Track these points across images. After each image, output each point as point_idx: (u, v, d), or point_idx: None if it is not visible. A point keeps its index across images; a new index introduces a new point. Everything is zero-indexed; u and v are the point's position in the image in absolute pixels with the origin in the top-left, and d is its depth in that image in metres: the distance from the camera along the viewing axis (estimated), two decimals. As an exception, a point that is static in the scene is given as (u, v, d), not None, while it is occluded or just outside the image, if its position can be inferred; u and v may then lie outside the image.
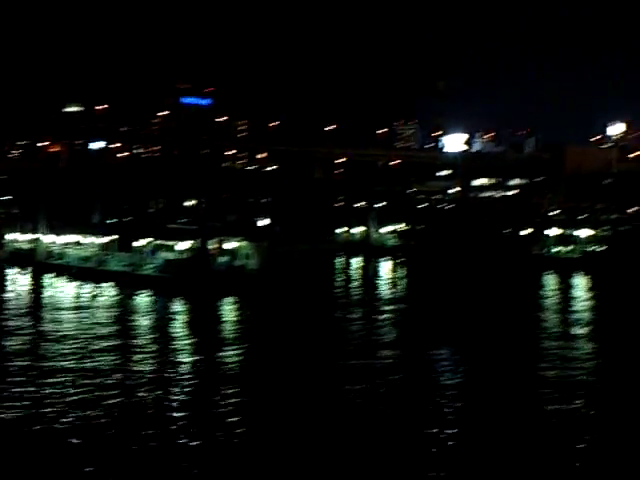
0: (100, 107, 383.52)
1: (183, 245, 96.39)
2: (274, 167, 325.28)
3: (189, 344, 60.59)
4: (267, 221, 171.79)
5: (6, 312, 75.02)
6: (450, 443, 37.10)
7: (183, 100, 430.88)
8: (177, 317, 73.86)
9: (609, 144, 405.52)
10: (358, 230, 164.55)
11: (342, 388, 46.77)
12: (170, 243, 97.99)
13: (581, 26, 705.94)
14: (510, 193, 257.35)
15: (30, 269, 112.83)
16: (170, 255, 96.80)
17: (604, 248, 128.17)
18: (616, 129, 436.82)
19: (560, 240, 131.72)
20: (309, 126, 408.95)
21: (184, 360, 54.46)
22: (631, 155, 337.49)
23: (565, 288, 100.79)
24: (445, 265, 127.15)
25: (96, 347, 57.81)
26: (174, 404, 43.11)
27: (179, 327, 68.66)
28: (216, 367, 52.68)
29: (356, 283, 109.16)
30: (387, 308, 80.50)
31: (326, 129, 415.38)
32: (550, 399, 44.47)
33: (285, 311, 77.75)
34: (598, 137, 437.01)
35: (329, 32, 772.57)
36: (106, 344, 58.97)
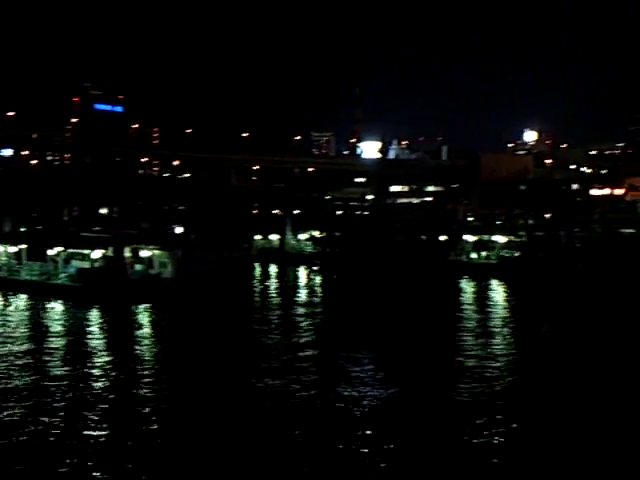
0: (8, 114, 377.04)
1: (97, 253, 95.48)
2: (189, 174, 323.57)
3: (97, 354, 60.13)
4: (182, 229, 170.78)
5: None
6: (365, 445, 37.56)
7: (96, 107, 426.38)
8: (88, 326, 73.10)
9: (524, 151, 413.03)
10: (275, 237, 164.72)
11: (254, 392, 46.99)
12: (84, 252, 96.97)
13: (495, 37, 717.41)
14: (427, 199, 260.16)
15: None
16: (84, 264, 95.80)
17: (519, 254, 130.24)
18: (531, 136, 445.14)
19: (477, 246, 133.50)
20: (224, 133, 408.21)
21: (89, 371, 54.06)
22: (547, 161, 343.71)
23: (481, 293, 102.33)
24: (362, 272, 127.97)
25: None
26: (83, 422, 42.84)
27: (90, 337, 67.97)
28: (128, 377, 52.41)
29: (272, 290, 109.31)
30: (303, 315, 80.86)
31: (242, 136, 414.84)
32: (467, 390, 45.36)
33: (201, 319, 77.58)
34: (513, 144, 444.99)
35: (244, 39, 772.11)
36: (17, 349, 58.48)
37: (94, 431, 39.89)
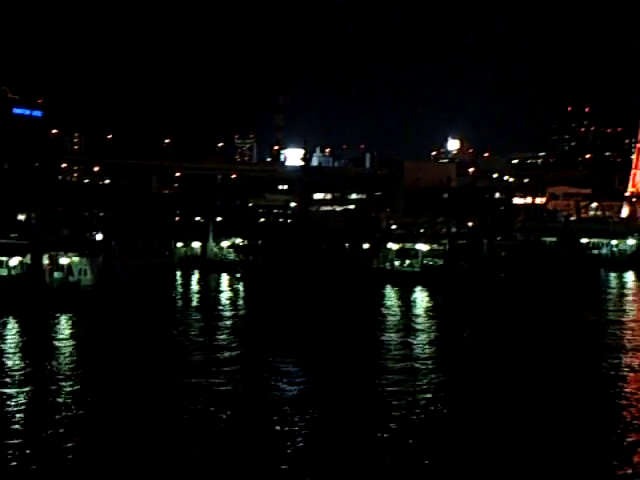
0: None
1: (14, 261, 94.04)
2: (109, 180, 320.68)
3: (11, 365, 59.28)
4: (102, 236, 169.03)
5: None
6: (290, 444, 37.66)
7: (14, 111, 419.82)
8: (3, 337, 71.84)
9: (447, 159, 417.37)
10: (196, 245, 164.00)
11: (175, 400, 46.79)
12: (1, 259, 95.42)
13: (417, 45, 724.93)
14: (350, 207, 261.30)
15: None
16: (0, 271, 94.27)
17: (442, 262, 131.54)
18: (454, 144, 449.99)
19: (400, 254, 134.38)
20: (146, 139, 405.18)
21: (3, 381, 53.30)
22: (470, 170, 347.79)
23: (404, 301, 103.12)
24: (285, 280, 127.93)
25: None
26: None
27: (3, 348, 66.84)
28: (45, 387, 51.79)
29: (194, 298, 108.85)
30: (224, 322, 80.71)
31: (164, 142, 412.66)
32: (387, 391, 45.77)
33: (121, 327, 76.91)
34: (436, 153, 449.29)
35: (166, 43, 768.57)
36: None
37: (12, 439, 39.34)
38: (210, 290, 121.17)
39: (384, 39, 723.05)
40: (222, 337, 71.80)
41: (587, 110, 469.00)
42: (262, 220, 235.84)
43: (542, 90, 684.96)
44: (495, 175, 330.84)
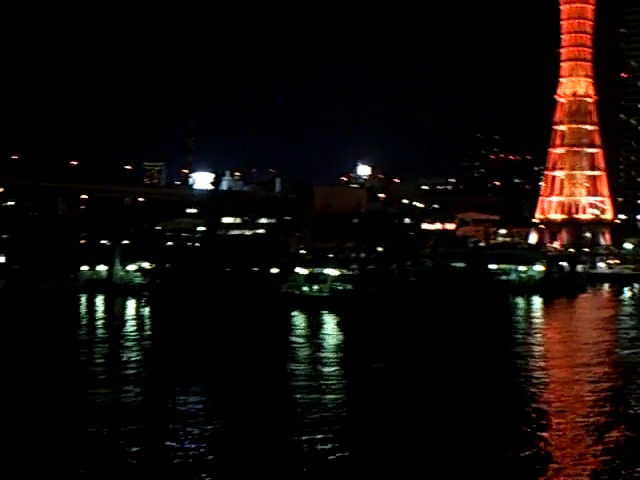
0: None
1: None
2: (13, 202, 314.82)
3: None
4: (5, 258, 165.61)
5: None
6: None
7: None
8: None
9: (358, 184, 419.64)
10: (103, 268, 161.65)
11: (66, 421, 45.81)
12: None
13: (329, 70, 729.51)
14: (260, 231, 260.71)
15: None
16: None
17: (352, 287, 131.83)
18: (365, 170, 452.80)
19: (309, 279, 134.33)
20: (52, 160, 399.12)
21: None
22: (380, 195, 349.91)
23: (313, 326, 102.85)
24: (192, 304, 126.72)
25: None
26: None
27: None
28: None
29: (99, 322, 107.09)
30: (128, 347, 79.45)
31: (71, 164, 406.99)
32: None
33: (22, 351, 75.20)
34: (346, 178, 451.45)
35: (75, 64, 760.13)
36: None
37: None
38: (115, 314, 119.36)
39: (294, 63, 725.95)
40: (126, 363, 70.63)
41: (497, 137, 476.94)
42: (170, 244, 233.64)
43: (453, 117, 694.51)
44: (405, 201, 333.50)
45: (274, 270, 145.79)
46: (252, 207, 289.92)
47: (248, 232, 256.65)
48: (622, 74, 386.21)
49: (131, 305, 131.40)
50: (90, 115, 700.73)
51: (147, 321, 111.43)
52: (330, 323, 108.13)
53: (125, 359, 72.46)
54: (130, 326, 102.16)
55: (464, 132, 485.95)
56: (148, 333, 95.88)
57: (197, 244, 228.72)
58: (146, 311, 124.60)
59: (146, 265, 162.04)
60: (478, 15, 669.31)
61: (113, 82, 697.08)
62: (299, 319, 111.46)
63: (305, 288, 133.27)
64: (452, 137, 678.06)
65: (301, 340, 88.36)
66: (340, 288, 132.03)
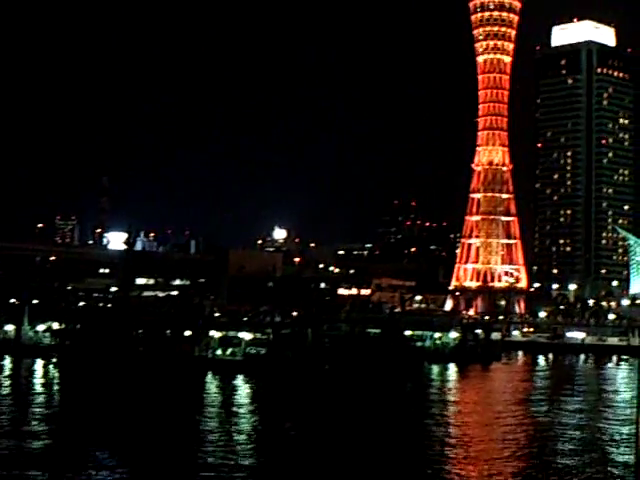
0: None
1: None
2: None
3: None
4: None
5: None
6: None
7: None
8: None
9: (273, 248, 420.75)
10: (10, 328, 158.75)
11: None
12: None
13: (244, 136, 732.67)
14: (174, 293, 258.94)
15: None
16: None
17: (266, 351, 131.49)
18: (281, 234, 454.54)
19: (222, 342, 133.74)
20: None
21: None
22: (296, 259, 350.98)
23: (225, 391, 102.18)
24: (102, 366, 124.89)
25: None
26: None
27: None
28: None
29: (4, 384, 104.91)
30: (35, 411, 78.01)
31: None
32: None
33: None
34: (262, 241, 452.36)
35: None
36: None
37: None
38: (22, 375, 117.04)
39: (210, 126, 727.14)
40: (32, 426, 69.27)
41: (413, 204, 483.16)
42: (81, 304, 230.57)
43: (371, 183, 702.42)
44: (321, 265, 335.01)
45: (187, 333, 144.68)
46: (166, 268, 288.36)
47: (161, 294, 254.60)
48: (537, 144, 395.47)
49: (39, 366, 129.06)
50: (2, 171, 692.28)
51: (55, 383, 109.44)
52: (243, 387, 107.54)
53: (30, 422, 71.04)
54: (37, 388, 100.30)
55: (381, 198, 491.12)
56: (56, 395, 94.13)
57: (109, 305, 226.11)
58: (54, 372, 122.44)
59: (56, 325, 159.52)
60: (398, 81, 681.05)
61: (27, 138, 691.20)
62: (212, 383, 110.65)
63: (218, 351, 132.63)
64: (369, 203, 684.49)
65: (213, 404, 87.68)
66: (254, 352, 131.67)
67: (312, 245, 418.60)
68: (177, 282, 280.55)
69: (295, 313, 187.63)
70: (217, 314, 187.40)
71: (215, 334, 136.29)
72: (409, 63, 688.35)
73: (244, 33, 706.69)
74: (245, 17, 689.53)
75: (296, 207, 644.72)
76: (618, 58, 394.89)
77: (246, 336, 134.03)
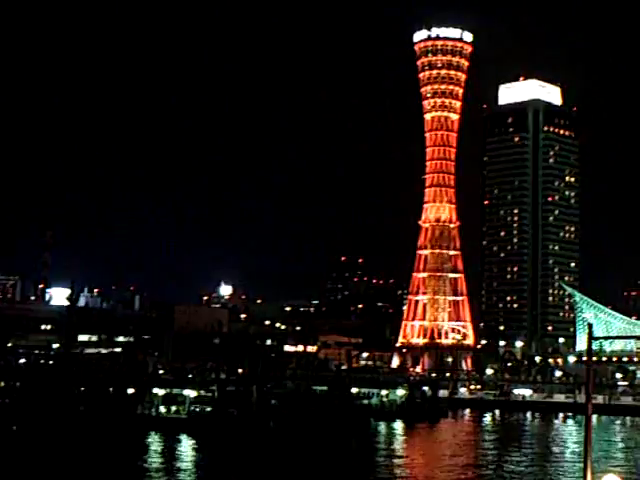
0: None
1: None
2: None
3: None
4: None
5: None
6: None
7: None
8: None
9: (219, 304, 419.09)
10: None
11: None
12: None
13: (194, 189, 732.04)
14: (117, 350, 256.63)
15: None
16: None
17: (210, 409, 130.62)
18: (227, 290, 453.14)
19: (166, 400, 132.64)
20: None
21: None
22: (242, 316, 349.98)
23: (168, 450, 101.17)
24: (43, 425, 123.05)
25: None
26: None
27: None
28: None
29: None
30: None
31: None
32: None
33: None
34: (208, 297, 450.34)
35: None
36: None
37: None
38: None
39: (155, 181, 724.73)
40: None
41: (361, 261, 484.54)
42: (22, 361, 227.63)
43: (317, 240, 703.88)
44: (267, 322, 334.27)
45: (130, 390, 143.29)
46: (110, 325, 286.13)
47: (105, 350, 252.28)
48: (484, 201, 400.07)
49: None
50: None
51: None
52: (187, 446, 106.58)
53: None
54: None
55: (328, 255, 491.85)
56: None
57: (51, 362, 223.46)
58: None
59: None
60: (346, 137, 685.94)
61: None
62: (155, 442, 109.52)
63: (162, 410, 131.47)
64: (316, 259, 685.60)
65: (153, 465, 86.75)
66: (198, 410, 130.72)
67: (258, 301, 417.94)
68: (121, 339, 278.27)
69: (241, 370, 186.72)
70: (161, 371, 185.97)
71: (159, 392, 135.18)
72: (356, 119, 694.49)
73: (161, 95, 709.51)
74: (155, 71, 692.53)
75: (242, 263, 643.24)
76: (564, 117, 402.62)
77: (191, 394, 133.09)
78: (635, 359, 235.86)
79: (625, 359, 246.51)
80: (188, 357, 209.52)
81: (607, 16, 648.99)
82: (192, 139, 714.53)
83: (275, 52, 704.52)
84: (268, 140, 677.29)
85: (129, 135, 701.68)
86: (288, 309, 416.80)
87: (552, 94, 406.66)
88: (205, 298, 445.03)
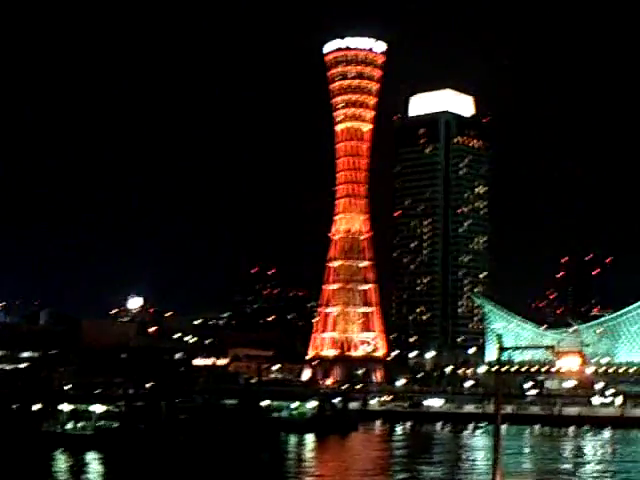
0: None
1: None
2: None
3: None
4: None
5: None
6: None
7: None
8: None
9: (128, 318, 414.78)
10: None
11: None
12: None
13: (99, 200, 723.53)
14: (22, 366, 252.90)
15: None
16: None
17: (119, 424, 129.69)
18: (135, 303, 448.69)
19: (73, 416, 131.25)
20: None
21: None
22: (151, 329, 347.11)
23: (75, 467, 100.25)
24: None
25: None
26: None
27: None
28: None
29: None
30: None
31: None
32: None
33: None
34: (116, 311, 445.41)
35: None
36: None
37: None
38: None
39: (61, 191, 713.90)
40: None
41: (271, 272, 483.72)
42: None
43: (227, 251, 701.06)
44: (177, 335, 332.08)
45: (36, 407, 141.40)
46: (14, 340, 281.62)
47: (8, 366, 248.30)
48: (396, 212, 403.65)
49: None
50: None
51: None
52: (94, 463, 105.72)
53: None
54: None
55: (239, 267, 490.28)
56: None
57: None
58: None
59: None
60: (258, 148, 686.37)
61: None
62: (60, 459, 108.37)
63: (69, 426, 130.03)
64: (226, 271, 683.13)
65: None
66: (106, 425, 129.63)
67: (168, 315, 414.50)
68: (25, 354, 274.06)
69: (149, 385, 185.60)
70: (68, 387, 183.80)
71: (65, 407, 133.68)
72: (268, 131, 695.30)
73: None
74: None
75: (151, 276, 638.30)
76: (475, 127, 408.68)
77: (98, 409, 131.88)
78: (544, 369, 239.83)
79: (534, 369, 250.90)
80: (95, 372, 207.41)
81: (520, 26, 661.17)
82: (102, 143, 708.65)
83: (179, 69, 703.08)
84: (178, 152, 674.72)
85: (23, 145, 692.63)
86: (198, 322, 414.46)
87: (464, 104, 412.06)
88: (114, 312, 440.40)
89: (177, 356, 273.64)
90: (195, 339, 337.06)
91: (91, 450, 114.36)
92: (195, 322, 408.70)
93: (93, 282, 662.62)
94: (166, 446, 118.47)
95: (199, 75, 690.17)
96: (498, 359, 43.79)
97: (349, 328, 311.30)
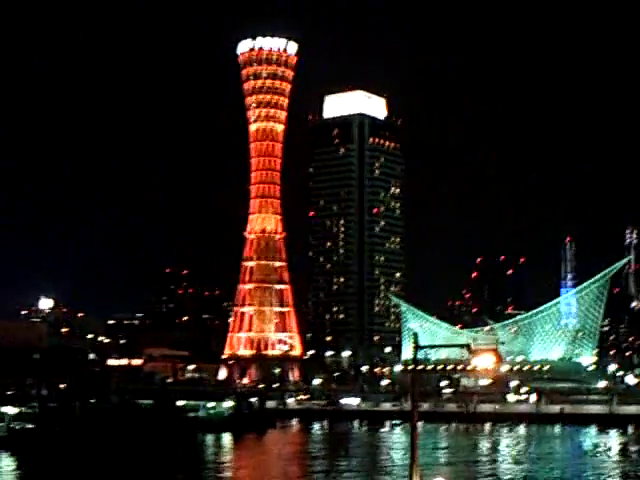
0: None
1: None
2: None
3: None
4: None
5: None
6: None
7: None
8: None
9: (39, 318, 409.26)
10: None
11: None
12: None
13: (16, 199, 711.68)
14: None
15: None
16: None
17: (32, 426, 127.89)
18: (47, 303, 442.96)
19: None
20: None
21: None
22: (63, 330, 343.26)
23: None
24: None
25: None
26: None
27: None
28: None
29: None
30: None
31: None
32: None
33: None
34: (27, 311, 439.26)
35: None
36: None
37: None
38: None
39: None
40: None
41: (185, 272, 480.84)
42: None
43: (140, 251, 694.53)
44: (90, 335, 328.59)
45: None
46: None
47: None
48: (310, 212, 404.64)
49: None
50: None
51: None
52: (7, 465, 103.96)
53: None
54: None
55: (152, 266, 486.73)
56: None
57: None
58: None
59: None
60: (171, 149, 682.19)
61: None
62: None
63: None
64: (140, 271, 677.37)
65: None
66: (19, 427, 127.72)
67: (80, 315, 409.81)
68: None
69: (62, 385, 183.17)
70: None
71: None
72: (182, 130, 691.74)
73: None
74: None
75: (63, 276, 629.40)
76: (389, 129, 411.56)
77: (10, 410, 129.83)
78: (459, 367, 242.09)
79: (450, 367, 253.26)
80: (6, 374, 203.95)
81: (435, 29, 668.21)
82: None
83: (98, 69, 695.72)
84: (90, 153, 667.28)
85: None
86: (112, 322, 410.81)
87: (378, 106, 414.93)
88: (24, 312, 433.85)
89: (91, 356, 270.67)
90: (109, 339, 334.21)
91: (4, 451, 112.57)
92: (109, 322, 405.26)
93: (2, 283, 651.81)
94: (80, 447, 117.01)
95: (113, 73, 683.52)
96: (414, 358, 43.98)
97: (265, 328, 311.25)
